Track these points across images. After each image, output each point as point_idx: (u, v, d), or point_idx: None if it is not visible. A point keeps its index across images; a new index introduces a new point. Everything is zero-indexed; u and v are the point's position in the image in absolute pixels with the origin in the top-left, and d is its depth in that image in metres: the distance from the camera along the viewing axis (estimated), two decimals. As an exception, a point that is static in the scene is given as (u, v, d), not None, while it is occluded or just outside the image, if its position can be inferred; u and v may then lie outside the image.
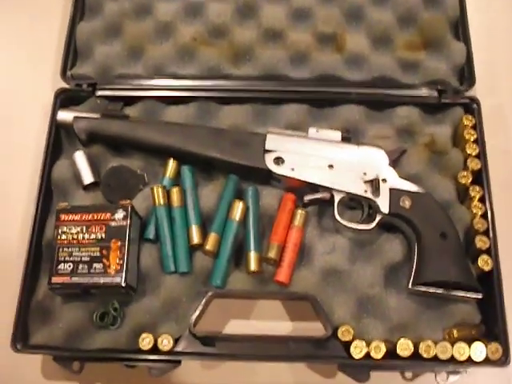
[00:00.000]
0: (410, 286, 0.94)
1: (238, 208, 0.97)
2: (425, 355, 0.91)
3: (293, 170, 0.99)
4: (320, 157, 0.99)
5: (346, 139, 1.02)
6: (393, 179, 0.98)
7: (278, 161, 0.99)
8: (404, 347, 0.92)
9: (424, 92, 1.10)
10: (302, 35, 1.12)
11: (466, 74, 1.11)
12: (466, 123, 1.06)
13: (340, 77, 1.10)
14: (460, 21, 1.14)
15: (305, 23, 1.14)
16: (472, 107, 1.08)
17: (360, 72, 1.11)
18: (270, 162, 0.99)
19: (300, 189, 1.00)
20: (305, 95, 1.10)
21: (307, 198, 0.99)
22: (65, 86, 1.11)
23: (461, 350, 0.91)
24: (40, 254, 1.01)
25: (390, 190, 0.97)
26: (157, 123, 1.06)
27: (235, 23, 1.13)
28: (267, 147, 1.00)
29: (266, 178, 1.01)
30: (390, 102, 1.10)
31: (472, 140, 1.05)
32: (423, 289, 0.93)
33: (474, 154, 1.04)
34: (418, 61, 1.11)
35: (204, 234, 0.98)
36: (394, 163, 1.02)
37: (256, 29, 1.13)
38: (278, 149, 1.00)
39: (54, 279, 0.93)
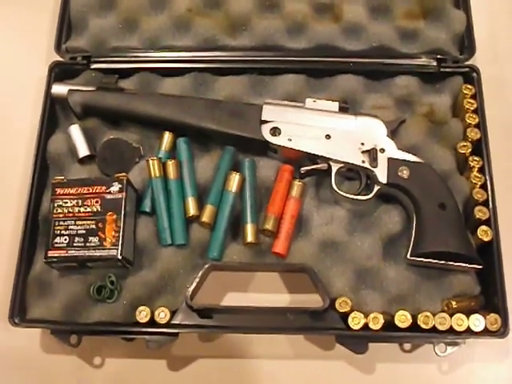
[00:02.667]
0: (408, 256, 0.93)
1: (235, 179, 0.96)
2: (423, 326, 0.91)
3: (290, 140, 0.98)
4: (317, 127, 0.98)
5: (343, 109, 1.00)
6: (391, 149, 0.97)
7: (275, 131, 0.98)
8: (402, 318, 0.91)
9: (423, 61, 1.08)
10: (298, 5, 1.10)
11: (466, 42, 1.09)
12: (465, 92, 1.05)
13: (337, 47, 1.09)
14: (460, -12, 1.12)
15: (301, -8, 1.12)
16: (472, 76, 1.06)
17: (358, 42, 1.09)
18: (266, 133, 0.98)
19: (297, 160, 0.99)
20: (302, 65, 1.08)
21: (304, 168, 0.98)
22: (59, 59, 1.09)
23: (459, 321, 0.90)
24: (36, 228, 1.00)
25: (388, 160, 0.96)
26: (152, 95, 1.04)
27: (231, -7, 1.11)
28: (264, 118, 0.99)
29: (263, 148, 1.00)
30: (388, 72, 1.08)
31: (472, 109, 1.03)
32: (422, 259, 0.93)
33: (473, 123, 1.02)
34: (416, 30, 1.09)
35: (200, 206, 0.97)
36: (393, 133, 1.01)
37: (252, -1, 1.11)
38: (274, 119, 0.99)
39: (51, 253, 0.93)
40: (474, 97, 1.04)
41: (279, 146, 0.98)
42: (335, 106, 1.00)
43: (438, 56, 1.08)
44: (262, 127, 0.99)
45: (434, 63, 1.08)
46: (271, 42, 1.09)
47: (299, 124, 0.98)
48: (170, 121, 1.01)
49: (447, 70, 1.07)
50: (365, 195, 0.97)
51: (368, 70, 1.08)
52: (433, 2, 1.10)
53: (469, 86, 1.05)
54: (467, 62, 1.07)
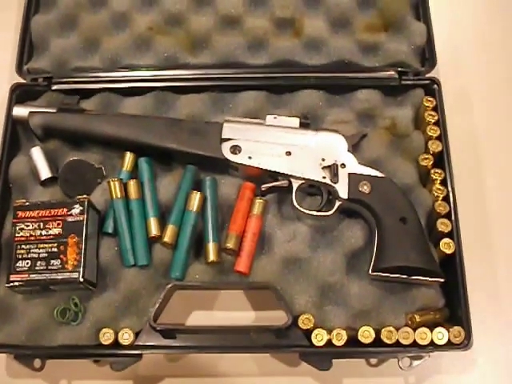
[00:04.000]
0: (370, 271, 0.93)
1: (196, 199, 0.96)
2: (387, 341, 0.91)
3: (250, 158, 0.98)
4: (277, 144, 0.98)
5: (304, 125, 1.00)
6: (352, 164, 0.97)
7: (235, 149, 0.98)
8: (366, 334, 0.91)
9: (384, 74, 1.08)
10: (259, 21, 1.11)
11: (427, 54, 1.09)
12: (426, 105, 1.05)
13: (298, 62, 1.09)
14: (420, 0, 1.12)
15: (262, 8, 1.12)
16: (432, 88, 1.07)
17: (319, 56, 1.10)
18: (226, 151, 0.98)
19: (258, 177, 0.99)
20: (263, 82, 1.08)
21: (265, 186, 0.98)
22: (21, 80, 1.09)
23: (423, 335, 0.91)
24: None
25: (349, 175, 0.96)
26: (112, 116, 1.04)
27: (191, 11, 1.11)
28: (224, 136, 0.99)
29: (224, 167, 1.00)
30: (349, 86, 1.08)
31: (433, 122, 1.03)
32: (384, 274, 0.92)
33: (435, 136, 1.02)
34: (377, 43, 1.09)
35: (162, 226, 0.97)
36: (355, 148, 1.01)
37: (212, 16, 1.11)
38: (234, 137, 0.99)
39: (13, 277, 0.93)
40: (435, 109, 1.05)
41: (239, 164, 0.98)
42: (296, 122, 1.00)
43: (400, 69, 1.08)
44: (223, 145, 0.99)
45: (396, 76, 1.08)
46: (232, 59, 1.09)
47: (259, 141, 0.98)
48: (130, 141, 1.01)
49: (408, 82, 1.08)
50: (326, 211, 0.97)
51: (329, 84, 1.08)
52: (393, 14, 1.10)
53: (430, 99, 1.05)
54: (428, 75, 1.08)
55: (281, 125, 1.00)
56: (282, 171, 0.97)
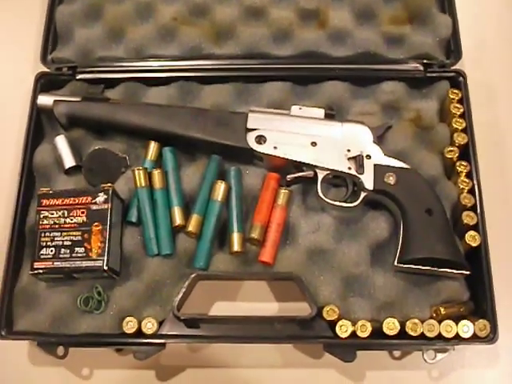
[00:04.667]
0: (395, 263, 0.92)
1: (221, 188, 0.96)
2: (412, 333, 0.90)
3: (275, 148, 0.97)
4: (303, 134, 0.98)
5: (329, 116, 1.00)
6: (377, 155, 0.97)
7: (260, 139, 0.98)
8: (390, 326, 0.90)
9: (409, 66, 1.08)
10: (284, 12, 1.10)
11: (453, 47, 1.09)
12: (452, 97, 1.04)
13: (323, 53, 1.09)
14: (446, -7, 1.12)
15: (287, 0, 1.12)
16: (458, 80, 1.06)
17: (344, 48, 1.09)
18: (251, 141, 0.98)
19: (283, 167, 0.99)
20: (288, 72, 1.08)
21: (290, 176, 0.98)
22: (45, 69, 1.09)
23: (448, 328, 0.90)
24: (23, 240, 1.00)
25: (375, 166, 0.96)
26: (137, 105, 1.04)
27: (216, 1, 1.11)
28: (249, 126, 0.99)
29: (249, 157, 1.00)
30: (374, 78, 1.08)
31: (458, 114, 1.03)
32: (409, 266, 0.92)
33: (460, 128, 1.02)
34: (402, 35, 1.09)
35: (186, 216, 0.97)
36: (379, 139, 1.00)
37: (237, 6, 1.11)
38: (259, 127, 0.99)
39: (37, 264, 0.93)
40: (460, 101, 1.04)
41: (264, 154, 0.98)
42: (321, 112, 1.00)
43: (425, 61, 1.07)
44: (248, 135, 0.98)
45: (421, 68, 1.07)
46: (257, 50, 1.09)
47: (285, 132, 0.98)
48: (155, 130, 1.01)
49: (433, 74, 1.07)
50: (351, 202, 0.96)
51: (354, 75, 1.08)
52: (419, 6, 1.09)
53: (455, 91, 1.04)
54: (453, 67, 1.07)
55: (306, 115, 0.99)
56: (307, 162, 0.97)
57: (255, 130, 0.98)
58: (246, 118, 0.99)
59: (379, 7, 1.10)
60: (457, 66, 1.07)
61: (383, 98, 1.06)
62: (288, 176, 0.98)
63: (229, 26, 1.10)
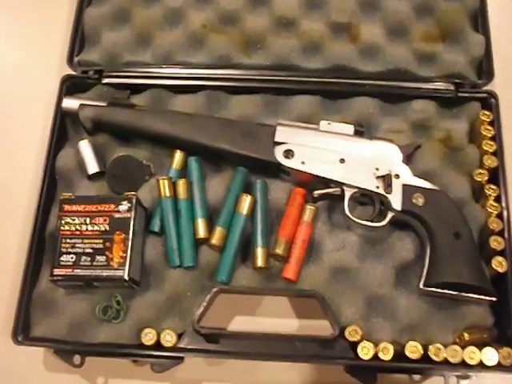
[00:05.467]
0: (421, 286, 0.91)
1: (246, 202, 0.95)
2: (434, 358, 0.89)
3: (303, 163, 0.96)
4: (331, 150, 0.96)
5: (358, 133, 0.98)
6: (406, 175, 0.95)
7: (288, 154, 0.97)
8: (413, 349, 0.89)
9: (440, 85, 1.06)
10: (315, 24, 1.09)
11: (485, 67, 1.07)
12: (483, 119, 1.02)
13: (354, 68, 1.07)
14: (479, 12, 1.10)
15: (318, 12, 1.10)
16: (490, 102, 1.04)
17: (374, 63, 1.08)
18: (279, 155, 0.97)
19: (310, 183, 0.97)
20: (317, 86, 1.07)
21: (317, 192, 0.96)
22: (71, 72, 1.08)
23: (471, 354, 0.88)
24: (43, 245, 0.99)
25: (403, 186, 0.94)
26: (164, 112, 1.03)
27: (247, 10, 1.10)
28: (277, 139, 0.97)
29: (276, 171, 0.99)
30: (405, 95, 1.06)
31: (489, 136, 1.01)
32: (435, 290, 0.90)
33: (490, 151, 1.00)
34: (434, 53, 1.07)
35: (210, 228, 0.96)
36: (408, 159, 0.99)
37: (268, 17, 1.10)
38: (288, 141, 0.97)
39: (56, 271, 0.91)
40: (491, 123, 1.02)
41: (292, 169, 0.96)
42: (350, 129, 0.98)
43: (456, 80, 1.06)
44: (275, 149, 0.97)
45: (452, 88, 1.05)
46: (286, 62, 1.08)
47: (313, 147, 0.97)
48: (181, 139, 0.99)
49: (465, 95, 1.05)
50: (378, 221, 0.95)
51: (384, 92, 1.06)
52: (452, 24, 1.08)
53: (486, 113, 1.03)
54: (485, 88, 1.05)
55: (335, 131, 0.98)
56: (335, 178, 0.95)
57: (283, 143, 0.97)
58: (274, 132, 0.98)
59: (411, 23, 1.09)
60: (488, 87, 1.05)
61: (413, 117, 1.05)
62: (315, 192, 0.96)
63: (259, 35, 1.09)
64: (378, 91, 1.06)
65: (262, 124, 1.02)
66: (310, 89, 1.06)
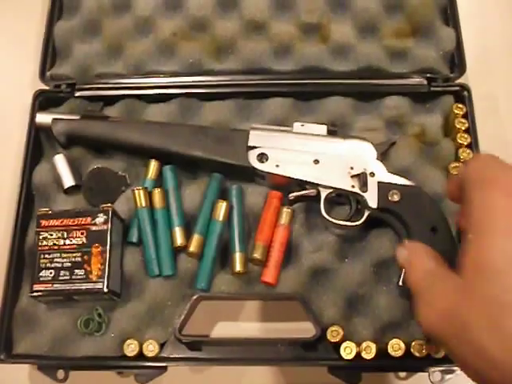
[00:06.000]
0: (400, 283, 0.90)
1: (222, 208, 0.94)
2: (417, 354, 0.89)
3: (277, 166, 0.96)
4: (305, 152, 0.96)
5: (332, 133, 0.98)
6: (381, 173, 0.95)
7: (262, 157, 0.96)
8: (396, 347, 0.89)
9: (413, 81, 1.05)
10: (285, 26, 1.09)
11: (457, 60, 1.06)
12: (456, 112, 1.02)
13: (326, 68, 1.07)
14: (449, 5, 1.09)
15: (288, 13, 1.10)
16: (463, 95, 1.04)
17: (346, 62, 1.07)
18: (253, 159, 0.96)
19: (286, 186, 0.97)
20: (289, 88, 1.06)
21: (292, 195, 0.96)
22: (44, 87, 1.08)
23: (454, 349, 0.88)
24: (22, 261, 0.98)
25: (379, 183, 0.94)
26: (137, 123, 1.03)
27: (216, 15, 1.09)
28: (250, 143, 0.97)
29: (251, 175, 0.98)
30: (378, 93, 1.06)
31: (463, 129, 1.01)
32: (414, 286, 0.90)
33: (465, 143, 1.00)
34: (406, 49, 1.07)
35: (188, 236, 0.95)
36: (383, 156, 0.98)
37: (238, 21, 1.09)
38: (261, 145, 0.97)
39: (36, 286, 0.91)
40: (465, 116, 1.02)
41: (267, 172, 0.96)
42: (323, 129, 0.98)
43: (428, 75, 1.05)
44: (249, 153, 0.97)
45: (425, 82, 1.05)
46: (258, 65, 1.07)
47: (287, 149, 0.96)
48: (155, 148, 0.99)
49: (438, 89, 1.05)
50: (355, 221, 0.94)
51: (357, 91, 1.06)
52: (422, 19, 1.07)
53: (460, 106, 1.03)
54: (458, 81, 1.05)
55: (308, 132, 0.98)
56: (310, 180, 0.95)
57: (257, 147, 0.97)
58: (248, 136, 0.98)
59: (382, 20, 1.08)
60: (461, 80, 1.05)
61: (387, 114, 1.04)
62: (290, 194, 0.96)
63: (229, 40, 1.08)
64: (350, 90, 1.06)
65: (235, 129, 1.01)
66: (283, 91, 1.06)
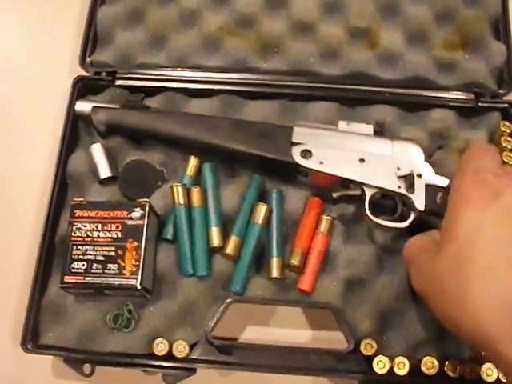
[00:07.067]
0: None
1: (262, 211, 0.93)
2: (450, 374, 0.87)
3: (321, 163, 0.93)
4: (350, 150, 0.93)
5: (378, 133, 0.95)
6: (429, 175, 0.92)
7: (306, 154, 0.93)
8: (429, 365, 0.88)
9: (460, 94, 1.04)
10: (333, 29, 1.07)
11: (506, 76, 1.05)
12: (503, 130, 1.00)
13: (372, 75, 1.05)
14: (501, 19, 1.08)
15: (337, 16, 1.08)
16: (510, 112, 1.02)
17: (394, 71, 1.05)
18: (297, 155, 0.93)
19: (329, 185, 0.95)
20: (335, 93, 1.04)
21: (336, 194, 0.93)
22: (84, 73, 1.06)
23: (489, 371, 0.87)
24: (53, 251, 0.96)
25: (426, 185, 0.91)
26: (178, 114, 1.00)
27: (264, 14, 1.07)
28: (294, 140, 0.94)
29: (293, 172, 0.96)
30: (423, 104, 1.04)
31: (509, 148, 0.99)
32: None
33: (510, 163, 0.98)
34: (454, 61, 1.05)
35: (224, 237, 0.94)
36: (430, 159, 0.94)
37: (286, 20, 1.07)
38: (305, 141, 0.94)
39: (67, 278, 0.89)
40: (511, 135, 1.01)
41: (310, 169, 0.93)
42: (370, 129, 0.95)
43: (476, 90, 1.03)
44: (293, 149, 0.94)
45: (472, 97, 1.03)
46: (304, 67, 1.05)
47: (331, 147, 0.93)
48: (195, 141, 0.97)
49: (485, 104, 1.03)
50: (400, 222, 0.91)
51: (403, 100, 1.04)
52: (473, 32, 1.06)
53: (507, 124, 1.01)
54: (506, 98, 1.04)
55: (354, 131, 0.95)
56: (354, 179, 0.92)
57: (300, 144, 0.94)
58: (292, 132, 0.95)
59: (432, 30, 1.07)
60: (509, 97, 1.04)
61: (431, 126, 1.02)
62: (334, 193, 0.93)
63: (276, 40, 1.06)
64: (396, 99, 1.04)
65: (278, 125, 0.98)
66: (328, 95, 1.04)
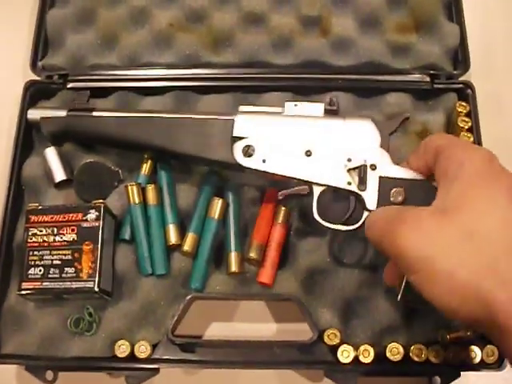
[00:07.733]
0: (398, 298, 0.81)
1: (217, 205, 0.92)
2: (416, 359, 0.87)
3: (264, 161, 0.85)
4: (296, 141, 0.85)
5: (330, 112, 0.86)
6: (384, 165, 0.82)
7: (248, 150, 0.86)
8: (394, 351, 0.87)
9: (415, 77, 1.03)
10: (284, 19, 1.05)
11: (460, 57, 1.04)
12: (459, 110, 1.00)
13: (326, 62, 1.04)
14: (453, 0, 1.07)
15: (288, 6, 1.06)
16: (466, 93, 1.01)
17: (347, 57, 1.04)
18: (238, 153, 0.85)
19: (280, 182, 0.89)
20: (288, 82, 1.03)
21: (282, 193, 0.86)
22: (35, 77, 1.05)
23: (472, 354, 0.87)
24: (11, 258, 0.95)
25: (380, 179, 0.81)
26: (120, 117, 0.94)
27: (214, 7, 1.06)
28: (236, 134, 0.86)
29: (239, 171, 0.89)
30: (379, 89, 1.03)
31: (466, 128, 0.98)
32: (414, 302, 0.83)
33: (468, 143, 0.97)
34: (408, 44, 1.04)
35: (182, 234, 0.93)
36: (391, 134, 0.86)
37: (236, 13, 1.06)
38: (248, 134, 0.86)
39: (25, 285, 0.88)
40: (468, 115, 0.99)
41: (253, 169, 0.86)
42: (320, 108, 0.86)
43: (431, 72, 1.03)
44: (234, 146, 0.86)
45: (427, 79, 1.02)
46: (256, 58, 1.04)
47: (275, 139, 0.85)
48: (137, 143, 0.92)
49: (440, 86, 1.03)
50: (351, 224, 0.84)
51: (358, 86, 1.03)
52: (426, 14, 1.05)
53: (463, 104, 1.00)
54: (461, 78, 1.03)
55: (302, 114, 0.87)
56: (300, 177, 0.84)
57: (243, 138, 0.87)
58: (233, 124, 0.87)
59: (384, 14, 1.05)
60: (464, 78, 1.03)
61: (388, 110, 1.01)
62: (280, 193, 0.87)
63: (227, 33, 1.05)
64: (351, 85, 1.03)
65: (218, 117, 0.89)
66: (282, 85, 1.03)
